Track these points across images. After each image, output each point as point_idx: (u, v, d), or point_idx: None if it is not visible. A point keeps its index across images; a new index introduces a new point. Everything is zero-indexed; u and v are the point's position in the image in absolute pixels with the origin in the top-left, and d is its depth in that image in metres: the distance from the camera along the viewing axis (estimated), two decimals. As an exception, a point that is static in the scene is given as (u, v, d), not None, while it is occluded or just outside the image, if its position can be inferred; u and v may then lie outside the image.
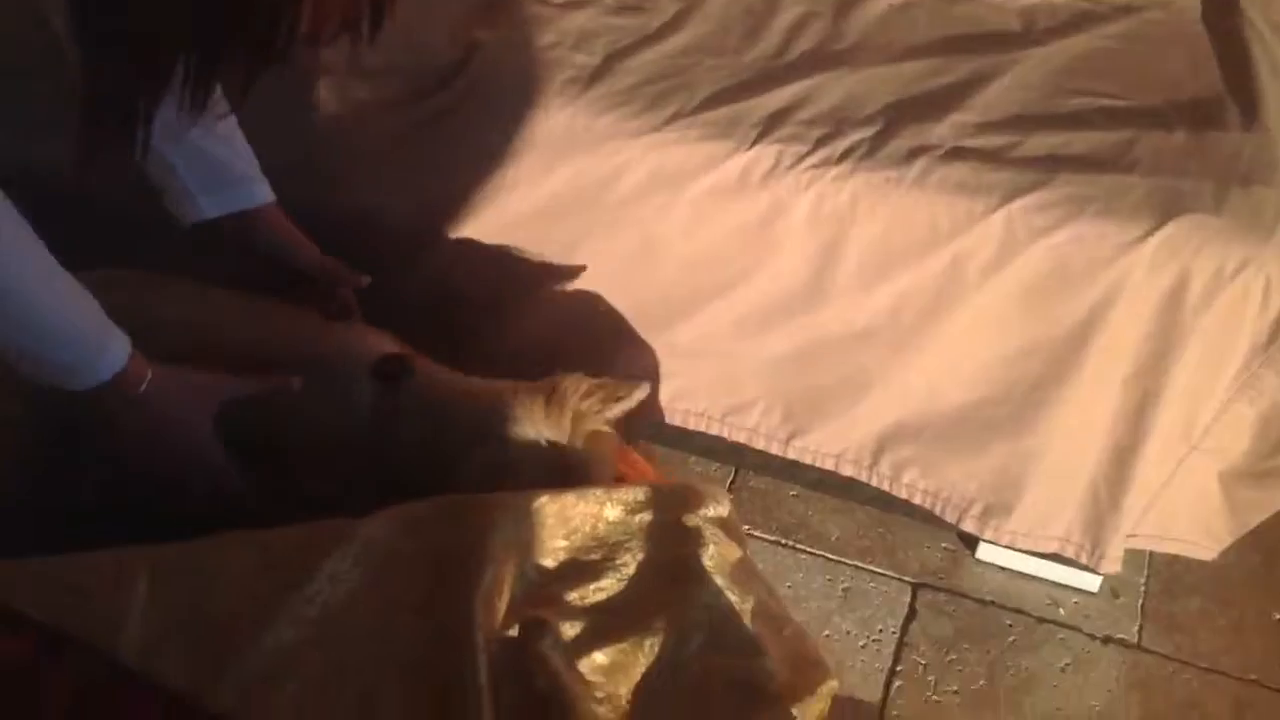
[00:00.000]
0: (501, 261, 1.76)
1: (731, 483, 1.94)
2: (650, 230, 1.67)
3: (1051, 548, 1.70)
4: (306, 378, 1.39)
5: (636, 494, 1.37)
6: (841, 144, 1.60)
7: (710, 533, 1.34)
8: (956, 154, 1.59)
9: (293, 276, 1.56)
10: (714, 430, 1.81)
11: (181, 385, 1.31)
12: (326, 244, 1.60)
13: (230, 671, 1.15)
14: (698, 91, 1.67)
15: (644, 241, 1.68)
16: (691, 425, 1.82)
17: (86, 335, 1.21)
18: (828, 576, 1.81)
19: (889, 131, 1.62)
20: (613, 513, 1.36)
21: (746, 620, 1.28)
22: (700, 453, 1.94)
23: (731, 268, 1.67)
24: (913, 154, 1.59)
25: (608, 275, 1.73)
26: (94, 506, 1.38)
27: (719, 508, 1.39)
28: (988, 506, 1.69)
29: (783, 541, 1.86)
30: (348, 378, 1.44)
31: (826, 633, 1.74)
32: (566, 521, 1.33)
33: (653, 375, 1.78)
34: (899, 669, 1.70)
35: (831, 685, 1.26)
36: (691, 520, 1.36)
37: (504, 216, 1.73)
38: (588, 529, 1.34)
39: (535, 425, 1.41)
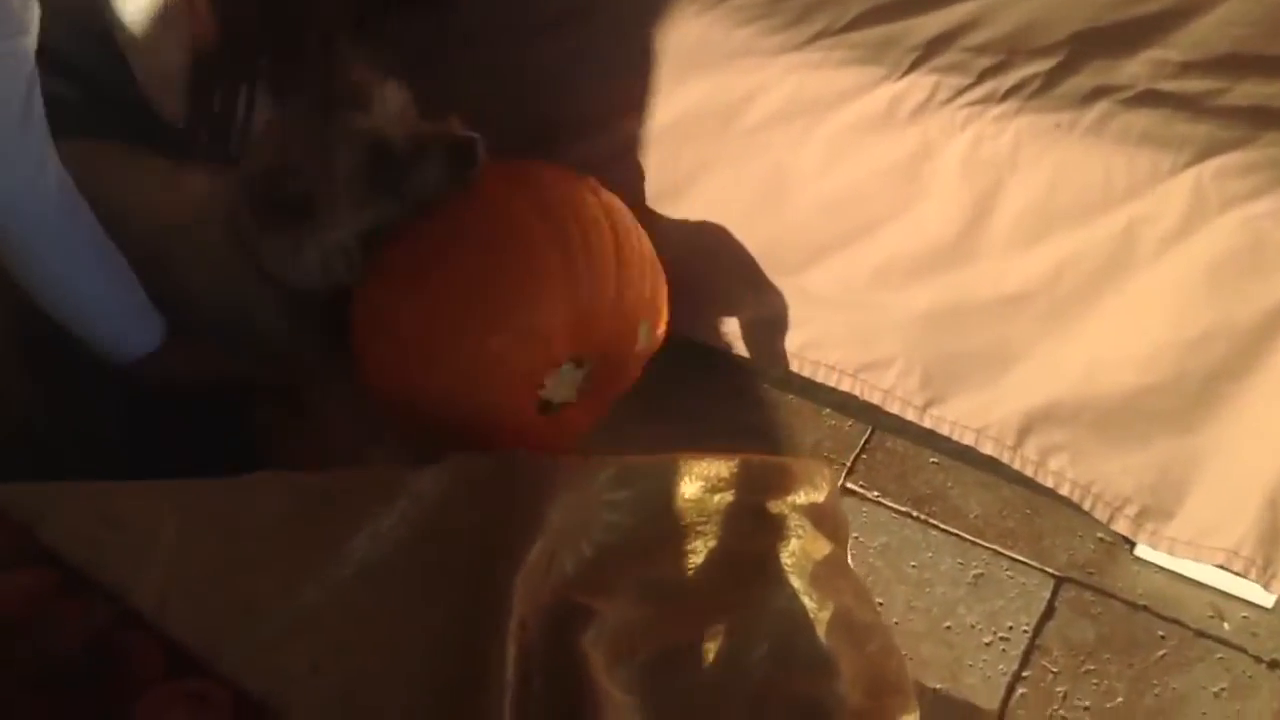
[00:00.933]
0: (625, 182, 1.60)
1: (866, 442, 1.76)
2: (784, 161, 1.49)
3: (1216, 560, 1.48)
4: None
5: (720, 469, 1.23)
6: (1009, 78, 1.39)
7: (795, 523, 1.19)
8: (1146, 98, 1.36)
9: None
10: (845, 386, 1.64)
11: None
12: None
13: (248, 631, 1.07)
14: (851, 6, 1.47)
15: (776, 174, 1.51)
16: (821, 378, 1.65)
17: (128, 324, 1.34)
18: (959, 559, 1.63)
19: (1068, 66, 1.40)
20: (690, 489, 1.22)
21: (821, 631, 1.13)
22: (835, 406, 1.76)
23: (872, 210, 1.48)
24: (1093, 95, 1.36)
25: (736, 208, 1.56)
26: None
27: (814, 493, 1.24)
28: (1145, 507, 1.48)
29: (914, 514, 1.68)
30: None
31: (948, 624, 1.56)
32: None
33: (780, 319, 1.62)
34: (1025, 675, 1.51)
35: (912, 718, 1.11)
36: (777, 507, 1.21)
37: (631, 133, 1.58)
38: (660, 505, 1.20)
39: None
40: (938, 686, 1.49)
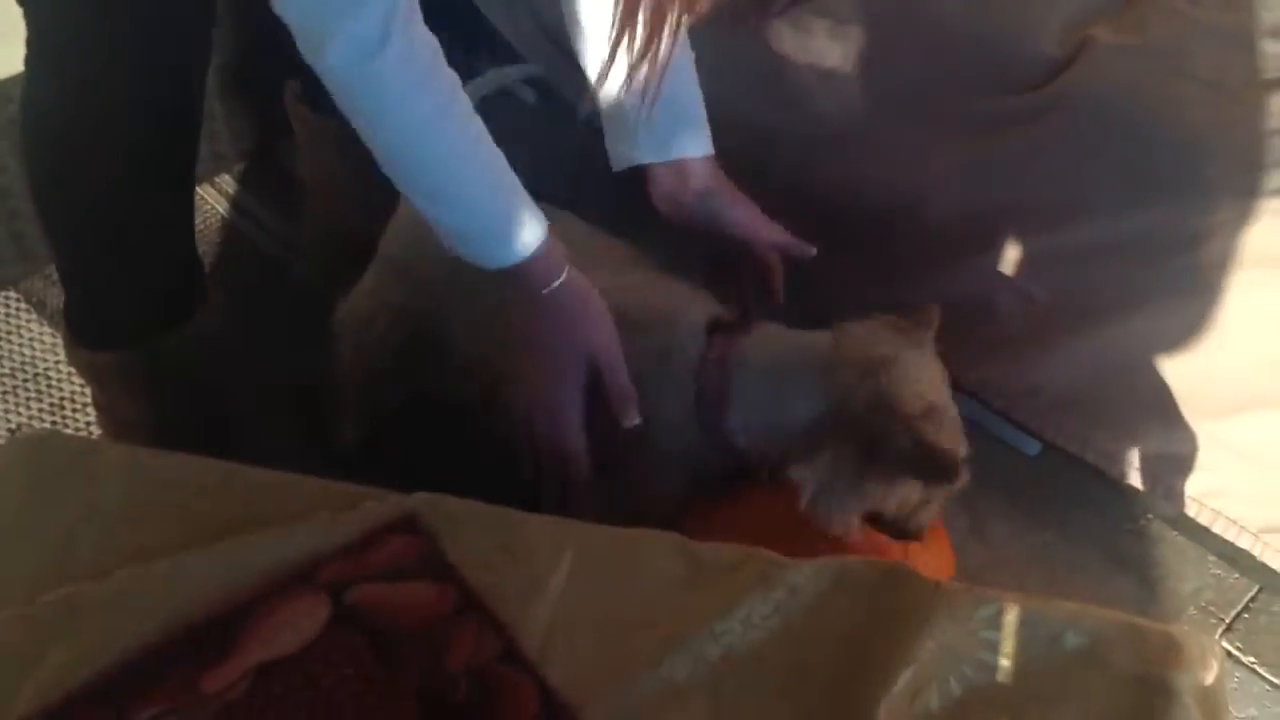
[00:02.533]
0: (1048, 288, 1.55)
1: (1251, 601, 1.64)
2: (1231, 307, 1.40)
3: None
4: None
5: (1108, 627, 1.17)
6: None
7: (1183, 704, 1.11)
8: None
9: (715, 251, 1.44)
10: (1243, 544, 1.54)
11: (584, 303, 1.23)
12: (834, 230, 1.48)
13: (615, 692, 1.10)
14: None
15: (1219, 318, 1.42)
16: (1218, 530, 1.56)
17: (500, 216, 1.16)
18: (1336, 753, 1.50)
19: None
20: (1073, 641, 1.16)
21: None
22: (1222, 555, 1.65)
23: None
24: None
25: (1164, 341, 1.48)
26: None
27: (1204, 673, 1.16)
28: None
29: (1295, 691, 1.56)
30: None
31: (1313, 822, 1.45)
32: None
33: (1185, 461, 1.53)
34: None
35: None
36: (1165, 681, 1.14)
37: (1066, 242, 1.52)
38: (1039, 654, 1.16)
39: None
40: None
